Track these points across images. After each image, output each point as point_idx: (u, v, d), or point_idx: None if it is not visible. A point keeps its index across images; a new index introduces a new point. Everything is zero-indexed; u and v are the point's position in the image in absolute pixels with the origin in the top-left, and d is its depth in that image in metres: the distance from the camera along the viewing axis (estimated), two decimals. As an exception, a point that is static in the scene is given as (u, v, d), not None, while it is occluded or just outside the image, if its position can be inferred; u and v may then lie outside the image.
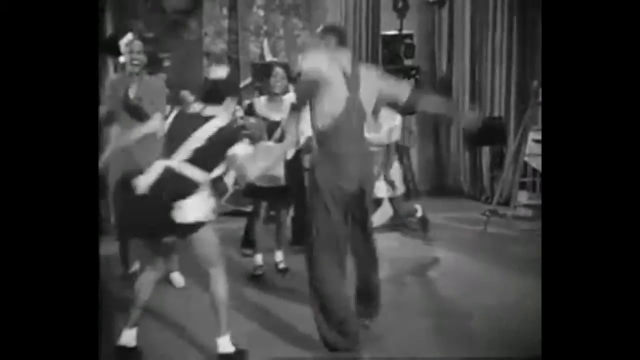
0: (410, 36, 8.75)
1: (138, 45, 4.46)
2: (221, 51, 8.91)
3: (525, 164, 7.15)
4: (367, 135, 4.96)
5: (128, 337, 3.26)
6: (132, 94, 4.25)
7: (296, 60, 7.34)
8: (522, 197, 7.29)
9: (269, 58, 9.09)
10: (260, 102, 4.98)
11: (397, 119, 5.27)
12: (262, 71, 5.06)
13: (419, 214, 5.50)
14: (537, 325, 3.53)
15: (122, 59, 5.97)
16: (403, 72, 8.42)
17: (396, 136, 5.28)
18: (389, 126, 5.18)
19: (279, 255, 5.06)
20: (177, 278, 4.42)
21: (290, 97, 4.77)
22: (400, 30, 8.68)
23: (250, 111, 4.94)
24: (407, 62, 8.70)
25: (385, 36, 8.86)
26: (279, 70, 4.95)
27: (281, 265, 5.03)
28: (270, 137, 4.79)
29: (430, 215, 6.67)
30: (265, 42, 9.26)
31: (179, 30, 8.14)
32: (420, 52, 8.98)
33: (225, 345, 3.19)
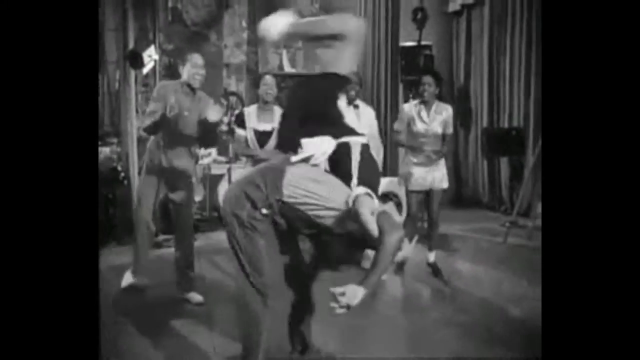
0: (429, 47, 8.77)
1: (200, 58, 4.40)
2: (240, 62, 8.98)
3: (545, 174, 7.11)
4: (421, 125, 5.06)
5: None
6: (213, 116, 4.17)
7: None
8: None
9: (287, 69, 9.15)
10: (250, 112, 4.81)
11: (449, 110, 5.17)
12: (255, 81, 4.92)
13: (431, 259, 5.35)
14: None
15: (144, 70, 6.04)
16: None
17: (450, 128, 5.17)
18: (444, 117, 5.12)
19: None
20: (195, 296, 4.44)
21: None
22: (419, 41, 8.70)
23: (239, 121, 4.75)
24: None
25: (404, 47, 8.89)
26: (268, 78, 4.78)
27: None
28: (261, 147, 4.68)
29: (450, 227, 6.67)
30: (284, 54, 9.33)
31: (199, 42, 8.23)
32: (439, 62, 8.99)
33: None
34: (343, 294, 2.42)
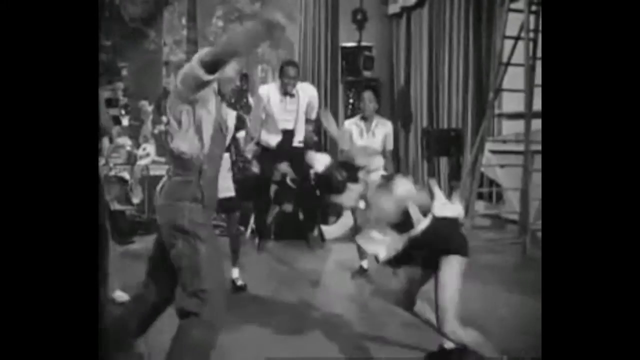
0: (369, 48, 8.84)
1: None
2: (180, 61, 8.85)
3: (482, 174, 7.27)
4: (362, 142, 5.08)
5: None
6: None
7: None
8: (480, 207, 7.41)
9: (228, 68, 9.08)
10: None
11: (389, 126, 5.28)
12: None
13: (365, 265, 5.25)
14: (500, 333, 3.64)
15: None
16: (362, 84, 8.51)
17: (390, 144, 5.31)
18: (384, 133, 5.21)
19: (234, 272, 4.80)
20: (120, 294, 4.34)
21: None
22: (359, 42, 8.76)
23: None
24: (366, 74, 8.78)
25: (344, 48, 8.93)
26: None
27: (239, 282, 4.78)
28: None
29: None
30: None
31: (138, 39, 8.07)
32: (379, 64, 9.08)
33: None
34: None
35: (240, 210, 4.94)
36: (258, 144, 5.23)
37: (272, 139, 5.28)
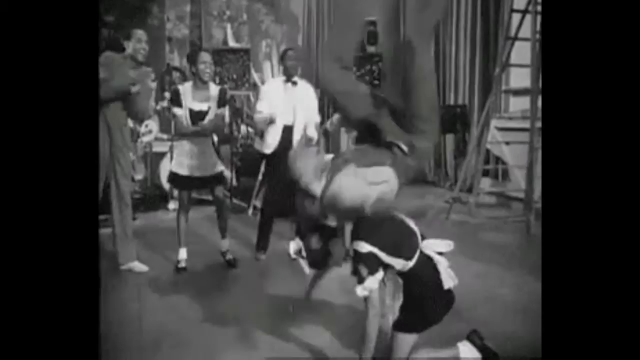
0: (373, 23, 8.73)
1: (144, 34, 4.46)
2: (183, 36, 8.79)
3: (488, 151, 7.21)
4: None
5: None
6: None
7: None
8: (485, 184, 7.37)
9: (232, 43, 8.99)
10: (185, 90, 4.59)
11: None
12: (191, 57, 4.81)
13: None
14: (502, 312, 3.63)
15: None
16: (366, 60, 8.42)
17: None
18: None
19: (224, 244, 4.80)
20: (139, 265, 4.55)
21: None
22: (364, 16, 8.64)
23: (175, 98, 4.58)
24: (370, 49, 8.69)
25: (349, 23, 8.82)
26: (205, 55, 4.59)
27: (228, 256, 4.78)
28: (194, 125, 4.53)
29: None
30: (229, 28, 9.16)
31: (141, 14, 7.99)
32: (385, 40, 8.97)
33: None
34: None
35: (225, 184, 4.96)
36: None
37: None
